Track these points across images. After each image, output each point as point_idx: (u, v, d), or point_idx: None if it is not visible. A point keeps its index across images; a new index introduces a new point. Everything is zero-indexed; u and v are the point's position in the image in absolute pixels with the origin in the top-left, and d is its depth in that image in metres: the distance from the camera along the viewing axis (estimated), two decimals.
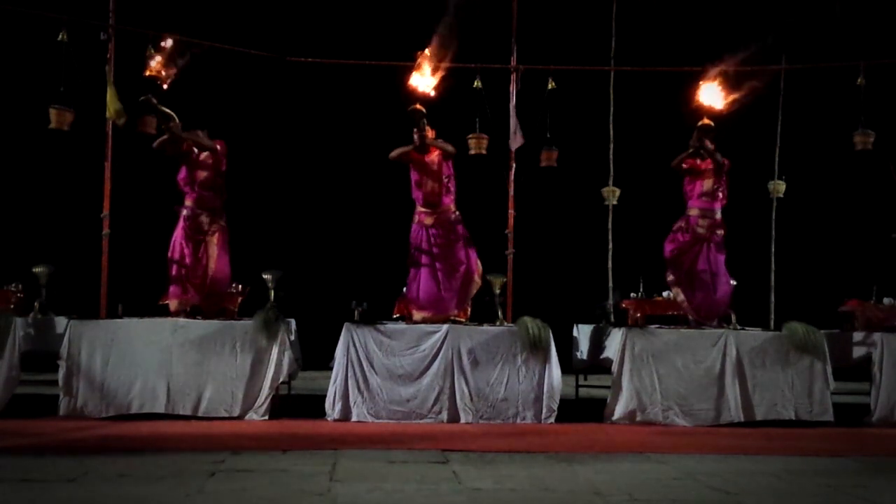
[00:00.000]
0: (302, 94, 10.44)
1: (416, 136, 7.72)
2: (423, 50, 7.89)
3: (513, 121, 8.27)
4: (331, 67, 8.75)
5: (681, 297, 8.03)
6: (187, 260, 7.68)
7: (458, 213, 7.94)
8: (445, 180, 7.87)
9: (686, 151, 8.01)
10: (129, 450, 5.80)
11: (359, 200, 10.81)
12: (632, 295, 8.44)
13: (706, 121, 7.95)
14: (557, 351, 7.51)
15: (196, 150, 7.76)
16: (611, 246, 8.41)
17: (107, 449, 5.82)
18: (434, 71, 7.81)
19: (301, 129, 10.61)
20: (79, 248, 8.58)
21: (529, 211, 8.59)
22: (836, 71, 8.60)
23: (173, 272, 7.69)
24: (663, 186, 8.38)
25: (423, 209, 7.87)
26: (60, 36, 7.44)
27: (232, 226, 7.93)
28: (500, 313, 7.90)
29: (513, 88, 8.34)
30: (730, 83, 8.00)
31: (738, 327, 7.89)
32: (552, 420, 7.39)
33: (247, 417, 7.27)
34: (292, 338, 7.49)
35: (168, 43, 7.57)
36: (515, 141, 8.28)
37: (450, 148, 7.83)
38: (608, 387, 7.70)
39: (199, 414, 7.23)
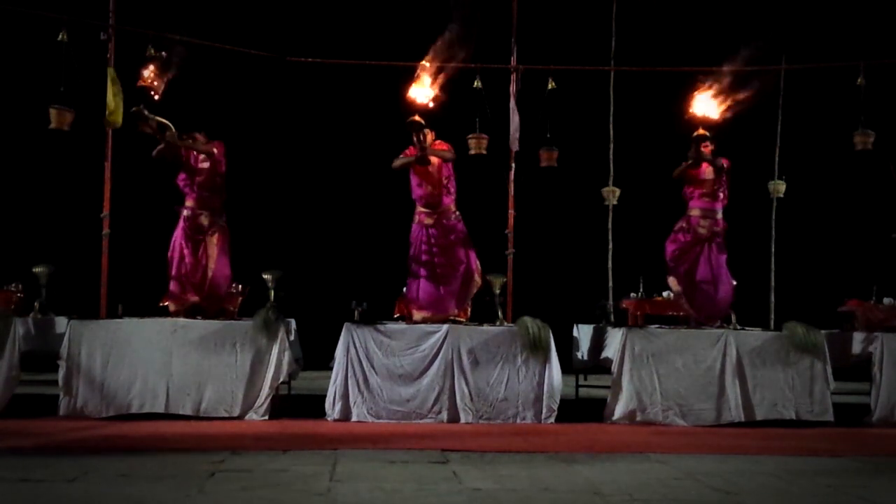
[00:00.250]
0: (302, 94, 10.44)
1: (416, 149, 7.70)
2: (422, 56, 7.90)
3: (513, 121, 8.26)
4: (331, 67, 8.75)
5: (682, 297, 8.03)
6: (186, 260, 7.68)
7: (458, 213, 7.94)
8: (445, 181, 7.87)
9: (686, 163, 8.01)
10: (129, 450, 5.80)
11: (359, 200, 10.81)
12: (632, 295, 8.44)
13: (701, 131, 7.94)
14: (557, 351, 7.51)
15: (194, 153, 7.76)
16: (611, 246, 8.41)
17: (107, 449, 5.82)
18: (433, 83, 7.79)
19: (301, 130, 10.61)
20: (79, 248, 8.59)
21: (529, 211, 8.59)
22: (836, 71, 8.60)
23: (172, 272, 7.70)
24: (663, 186, 8.37)
25: (423, 209, 7.87)
26: (60, 36, 7.44)
27: (232, 226, 7.93)
28: (500, 313, 7.90)
29: (513, 88, 8.34)
30: (727, 88, 7.99)
31: (738, 327, 7.90)
32: (552, 420, 7.39)
33: (247, 417, 7.27)
34: (292, 338, 7.50)
35: (161, 54, 7.56)
36: (515, 145, 8.28)
37: (449, 155, 7.82)
38: (608, 387, 7.70)
39: (199, 414, 7.23)
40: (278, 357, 7.36)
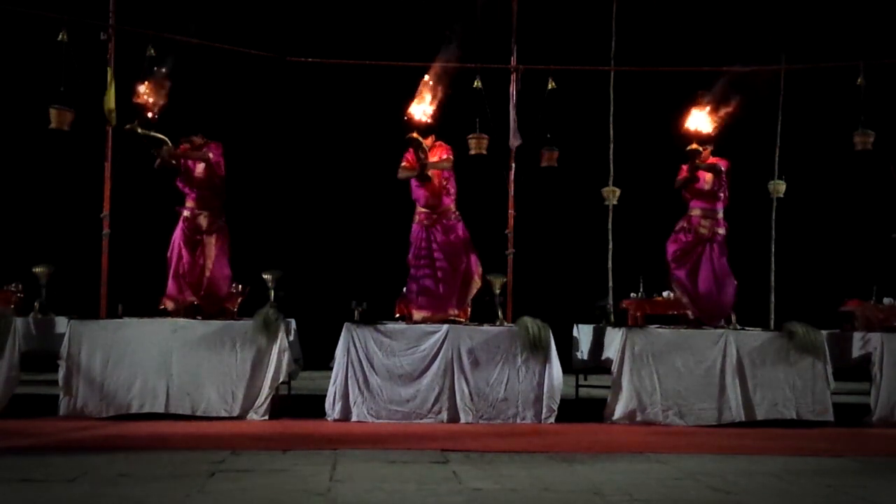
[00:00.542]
0: (302, 94, 10.44)
1: (415, 159, 7.70)
2: (422, 56, 7.89)
3: (512, 121, 8.26)
4: (331, 67, 8.76)
5: (684, 298, 8.03)
6: (184, 260, 7.69)
7: (458, 213, 7.94)
8: (445, 182, 7.87)
9: (685, 178, 8.01)
10: (129, 450, 5.80)
11: (359, 200, 10.81)
12: (632, 295, 8.44)
13: (694, 145, 7.94)
14: (557, 351, 7.51)
15: (192, 161, 7.78)
16: (611, 246, 8.41)
17: (107, 449, 5.81)
18: (434, 99, 7.78)
19: (301, 130, 10.61)
20: (79, 248, 8.59)
21: (529, 211, 8.59)
22: (836, 71, 8.60)
23: (171, 272, 7.71)
24: (663, 186, 8.38)
25: (423, 209, 7.87)
26: (60, 36, 7.44)
27: (232, 226, 7.93)
28: (500, 313, 7.90)
29: (513, 88, 8.34)
30: (725, 103, 7.98)
31: (738, 327, 7.90)
32: (552, 420, 7.39)
33: (247, 417, 7.27)
34: (292, 338, 7.50)
35: (159, 70, 7.55)
36: (515, 141, 8.27)
37: (447, 165, 7.81)
38: (608, 387, 7.70)
39: (199, 414, 7.23)
40: (278, 357, 7.36)
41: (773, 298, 8.35)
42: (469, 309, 7.97)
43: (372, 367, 7.39)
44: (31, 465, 5.17)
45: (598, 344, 8.05)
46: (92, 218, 7.82)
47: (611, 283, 8.33)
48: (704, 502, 4.62)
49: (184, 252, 7.70)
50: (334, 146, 10.79)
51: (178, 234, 7.76)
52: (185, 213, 7.77)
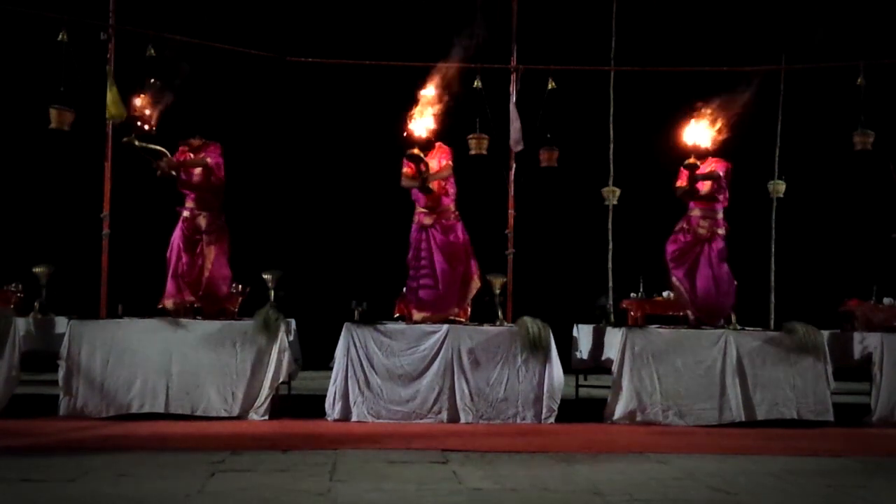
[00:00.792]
0: (302, 94, 10.43)
1: (418, 180, 7.70)
2: (422, 56, 7.89)
3: (513, 121, 8.26)
4: (331, 67, 8.75)
5: (683, 298, 8.03)
6: (183, 260, 7.69)
7: (457, 213, 7.93)
8: (444, 182, 7.86)
9: (684, 190, 8.01)
10: (129, 450, 5.80)
11: (359, 201, 10.80)
12: (632, 295, 8.44)
13: (692, 159, 7.94)
14: (557, 351, 7.51)
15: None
16: (611, 246, 8.41)
17: (107, 449, 5.82)
18: (434, 113, 7.77)
19: (301, 130, 10.61)
20: (79, 248, 8.59)
21: (529, 211, 8.59)
22: (836, 71, 8.60)
23: (170, 271, 7.71)
24: (663, 186, 8.38)
25: (422, 210, 7.87)
26: (60, 36, 7.44)
27: (232, 226, 7.93)
28: (500, 313, 7.90)
29: (513, 88, 8.34)
30: (722, 115, 7.98)
31: (738, 327, 7.89)
32: (552, 420, 7.39)
33: (247, 417, 7.27)
34: (292, 338, 7.50)
35: (155, 82, 7.54)
36: (515, 142, 8.27)
37: (447, 173, 7.80)
38: (608, 387, 7.70)
39: (199, 414, 7.23)
40: (278, 357, 7.36)
41: (773, 298, 8.35)
42: (469, 309, 7.97)
43: (372, 367, 7.39)
44: (31, 465, 5.18)
45: (598, 344, 8.05)
46: (92, 218, 7.82)
47: (611, 283, 8.33)
48: (704, 502, 4.62)
49: (183, 252, 7.70)
50: (334, 146, 10.78)
51: (177, 234, 7.76)
52: (185, 213, 7.77)
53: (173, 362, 7.28)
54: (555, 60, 8.50)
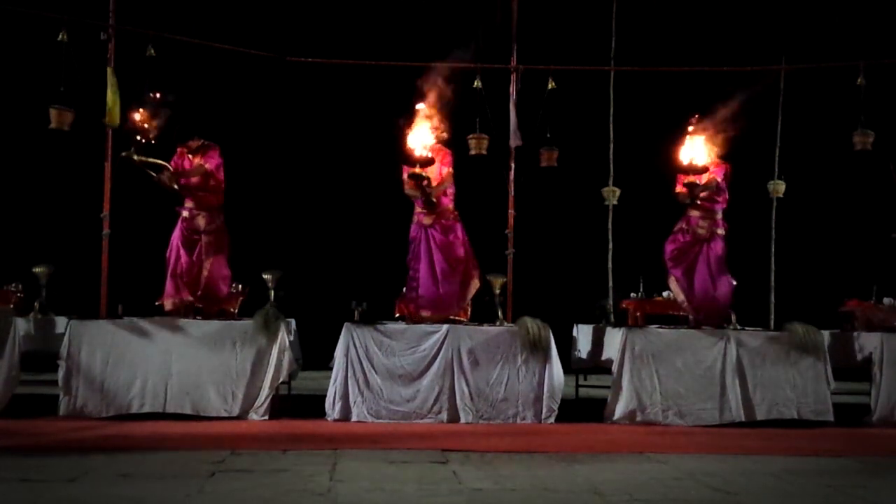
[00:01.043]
0: (302, 94, 10.43)
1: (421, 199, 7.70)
2: (421, 56, 7.89)
3: (512, 120, 8.26)
4: (331, 67, 8.75)
5: (682, 297, 8.03)
6: (182, 259, 7.70)
7: (456, 213, 7.93)
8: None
9: (685, 201, 8.02)
10: (129, 450, 5.80)
11: (358, 200, 10.80)
12: (632, 295, 8.44)
13: (690, 178, 7.94)
14: (557, 351, 7.51)
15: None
16: (611, 246, 8.41)
17: (107, 449, 5.81)
18: (433, 128, 7.76)
19: (301, 130, 10.61)
20: (79, 248, 8.58)
21: (529, 211, 8.59)
22: (836, 71, 8.60)
23: (169, 271, 7.71)
24: (663, 186, 8.38)
25: (421, 210, 7.87)
26: (60, 36, 7.44)
27: (232, 226, 7.93)
28: (500, 313, 7.90)
29: (513, 88, 8.34)
30: (720, 127, 7.98)
31: (738, 327, 7.89)
32: (552, 420, 7.39)
33: (247, 417, 7.27)
34: (292, 338, 7.50)
35: (154, 96, 7.53)
36: (515, 140, 8.27)
37: (448, 183, 7.78)
38: (608, 387, 7.70)
39: (199, 414, 7.23)
40: (278, 357, 7.36)
41: (773, 298, 8.36)
42: (469, 309, 7.97)
43: (372, 366, 7.39)
44: (31, 465, 5.18)
45: (598, 344, 8.05)
46: (92, 218, 7.82)
47: (611, 283, 8.32)
48: (704, 502, 4.62)
49: (182, 252, 7.70)
50: (334, 146, 10.78)
51: (176, 234, 7.77)
52: (184, 213, 7.77)
53: (173, 362, 7.28)
54: (555, 60, 8.50)
